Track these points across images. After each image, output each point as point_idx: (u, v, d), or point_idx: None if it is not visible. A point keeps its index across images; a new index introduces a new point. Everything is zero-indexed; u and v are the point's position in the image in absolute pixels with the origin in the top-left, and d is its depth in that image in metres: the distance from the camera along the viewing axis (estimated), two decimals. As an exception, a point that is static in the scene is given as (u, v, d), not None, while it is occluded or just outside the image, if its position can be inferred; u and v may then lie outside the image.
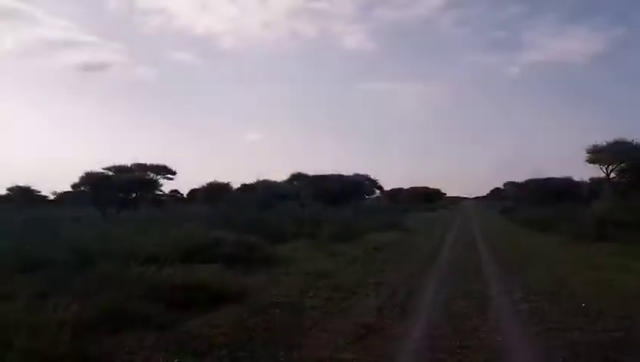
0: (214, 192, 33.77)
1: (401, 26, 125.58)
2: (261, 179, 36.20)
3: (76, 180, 27.73)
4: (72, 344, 4.48)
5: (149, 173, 33.50)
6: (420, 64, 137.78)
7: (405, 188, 77.41)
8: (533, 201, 36.79)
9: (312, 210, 21.75)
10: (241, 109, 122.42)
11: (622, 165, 18.63)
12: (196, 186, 40.72)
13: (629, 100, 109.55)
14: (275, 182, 36.52)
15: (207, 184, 36.88)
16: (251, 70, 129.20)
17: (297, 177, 38.43)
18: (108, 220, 21.98)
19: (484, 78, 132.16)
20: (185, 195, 56.30)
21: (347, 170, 55.15)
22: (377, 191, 42.65)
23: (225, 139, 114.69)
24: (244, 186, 36.18)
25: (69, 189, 29.94)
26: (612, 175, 19.17)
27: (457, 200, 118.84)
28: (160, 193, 37.57)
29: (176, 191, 56.79)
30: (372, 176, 38.98)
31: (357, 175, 37.61)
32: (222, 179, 37.09)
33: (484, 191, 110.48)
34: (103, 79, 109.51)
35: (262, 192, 30.75)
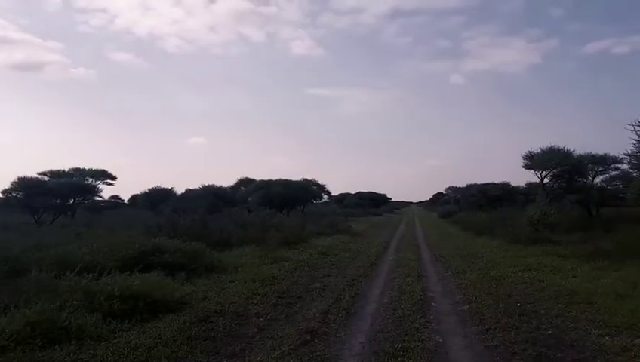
0: (157, 198, 32.79)
1: (349, 33, 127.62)
2: (206, 184, 35.59)
3: (7, 185, 26.20)
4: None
5: (87, 178, 32.08)
6: (367, 71, 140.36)
7: (352, 192, 78.52)
8: (474, 206, 38.20)
9: (258, 215, 21.52)
10: (185, 113, 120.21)
11: (554, 171, 19.64)
12: (138, 192, 39.54)
13: (562, 109, 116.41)
14: (220, 188, 35.95)
15: (149, 189, 35.81)
16: (196, 73, 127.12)
17: (244, 182, 38.01)
18: (42, 227, 20.83)
19: (429, 86, 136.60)
20: (126, 201, 54.50)
21: (295, 175, 55.34)
22: (325, 196, 42.73)
23: (168, 142, 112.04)
24: (189, 191, 35.34)
25: (-1, 195, 28.21)
26: (546, 180, 20.16)
27: (402, 205, 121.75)
28: (99, 199, 36.11)
29: (116, 196, 54.85)
30: (319, 181, 39.12)
31: (304, 180, 37.64)
32: (165, 184, 36.17)
33: (427, 196, 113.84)
34: (38, 79, 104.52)
35: (207, 198, 30.12)
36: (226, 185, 37.67)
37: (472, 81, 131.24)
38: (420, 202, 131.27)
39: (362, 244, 18.38)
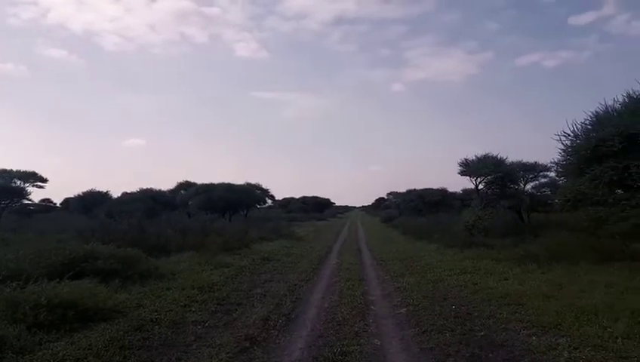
0: (91, 201, 31.37)
1: (293, 38, 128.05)
2: (144, 187, 34.51)
3: None
4: None
5: (15, 180, 30.18)
6: (311, 76, 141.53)
7: (297, 197, 78.67)
8: (413, 210, 39.26)
9: (199, 220, 21.05)
10: (123, 113, 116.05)
11: (488, 177, 20.47)
12: (71, 195, 37.68)
13: (496, 118, 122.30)
14: (159, 191, 34.96)
15: (83, 192, 34.23)
16: (136, 72, 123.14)
17: (184, 186, 37.11)
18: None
19: (371, 93, 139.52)
20: (58, 205, 51.93)
21: (238, 178, 54.68)
22: (269, 201, 42.43)
23: (105, 144, 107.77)
24: (125, 195, 34.09)
25: None
26: (480, 186, 20.98)
27: (346, 209, 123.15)
28: (28, 202, 34.10)
29: (47, 200, 52.18)
30: (263, 186, 38.81)
31: (248, 184, 37.22)
32: (100, 187, 34.74)
33: (370, 201, 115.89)
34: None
35: (145, 202, 29.14)
36: (166, 189, 36.77)
37: (412, 89, 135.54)
38: (364, 206, 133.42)
39: (305, 249, 18.39)
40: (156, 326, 6.41)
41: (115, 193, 35.26)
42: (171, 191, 36.89)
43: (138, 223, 15.85)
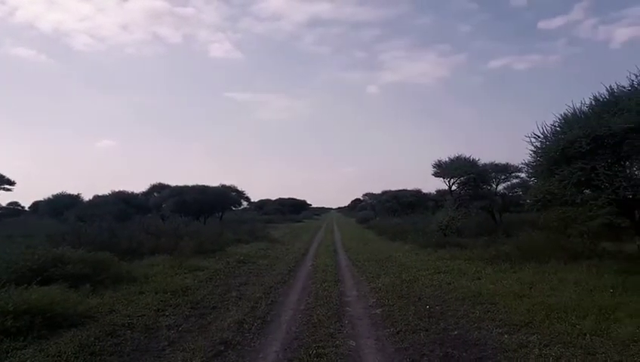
0: (61, 204, 30.63)
1: (268, 39, 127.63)
2: (116, 190, 33.90)
3: None
4: None
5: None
6: (286, 77, 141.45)
7: (273, 198, 78.38)
8: (389, 211, 39.59)
9: (173, 223, 20.76)
10: (95, 114, 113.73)
11: (461, 179, 20.79)
12: (40, 198, 36.76)
13: (468, 120, 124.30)
14: (132, 194, 34.38)
15: (52, 195, 33.41)
16: (108, 73, 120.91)
17: (157, 188, 36.55)
18: None
19: (346, 95, 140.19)
20: (27, 208, 50.61)
21: (212, 180, 54.18)
22: (244, 203, 42.11)
23: (75, 146, 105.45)
24: (97, 198, 33.42)
25: None
26: (454, 187, 21.29)
27: (323, 211, 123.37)
28: (-6, 206, 33.14)
29: (15, 203, 50.79)
30: (239, 187, 38.49)
31: (223, 186, 36.90)
32: (71, 190, 33.96)
33: (346, 202, 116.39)
34: None
35: (117, 204, 28.62)
36: (138, 192, 36.17)
37: (387, 91, 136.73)
38: (340, 208, 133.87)
39: (281, 251, 18.32)
40: (128, 332, 6.30)
41: (87, 196, 34.64)
42: (144, 194, 36.32)
43: (110, 227, 15.54)
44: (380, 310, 7.54)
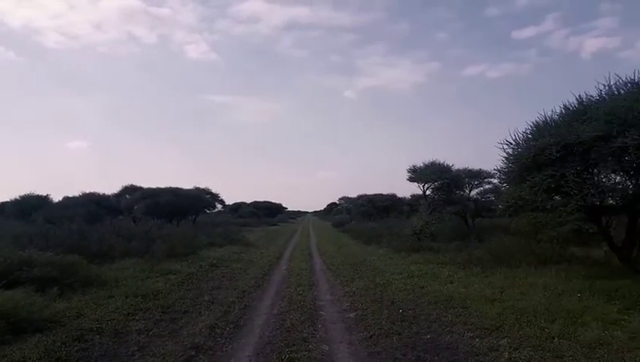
0: (28, 206, 29.76)
1: (245, 41, 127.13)
2: (87, 191, 33.17)
3: None
4: None
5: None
6: (263, 80, 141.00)
7: (248, 201, 77.78)
8: (364, 215, 39.78)
9: (145, 225, 20.40)
10: (66, 114, 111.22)
11: (435, 184, 21.06)
12: (6, 199, 35.62)
13: (443, 126, 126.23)
14: (103, 196, 33.70)
15: (20, 196, 32.42)
16: (80, 72, 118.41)
17: (129, 190, 35.88)
18: None
19: (324, 99, 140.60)
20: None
21: (186, 183, 53.55)
22: (219, 206, 41.68)
23: (45, 146, 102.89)
24: (67, 199, 32.62)
25: None
26: (428, 192, 21.54)
27: (299, 214, 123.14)
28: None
29: (-21, 204, 49.09)
30: (213, 190, 38.09)
31: (197, 188, 36.46)
32: (40, 190, 33.02)
33: (322, 205, 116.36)
34: None
35: (87, 206, 27.99)
36: (110, 193, 35.45)
37: (364, 96, 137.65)
38: (316, 211, 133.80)
39: (256, 255, 18.18)
40: (97, 336, 6.15)
41: (56, 197, 33.70)
42: (116, 196, 35.61)
43: (80, 229, 15.17)
44: (354, 314, 7.54)
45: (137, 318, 7.19)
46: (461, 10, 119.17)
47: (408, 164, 21.29)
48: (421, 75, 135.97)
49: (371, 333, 6.26)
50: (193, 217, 35.50)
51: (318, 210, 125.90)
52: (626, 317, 6.39)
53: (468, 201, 21.94)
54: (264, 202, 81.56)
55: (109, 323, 6.79)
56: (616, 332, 5.66)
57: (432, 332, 6.26)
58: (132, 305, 7.92)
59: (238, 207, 70.10)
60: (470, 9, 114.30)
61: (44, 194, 32.98)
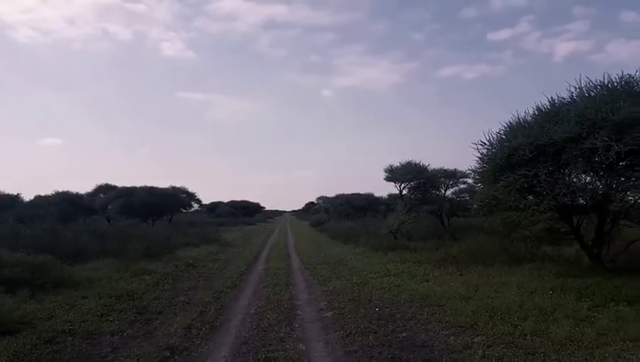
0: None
1: (222, 39, 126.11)
2: (60, 190, 32.44)
3: None
4: None
5: None
6: (241, 78, 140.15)
7: (225, 201, 77.22)
8: (342, 215, 39.90)
9: (119, 225, 20.08)
10: (38, 111, 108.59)
11: (412, 183, 21.26)
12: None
13: (419, 125, 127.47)
14: (77, 194, 33.02)
15: (-11, 195, 31.52)
16: (53, 68, 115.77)
17: (103, 189, 35.28)
18: None
19: (301, 98, 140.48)
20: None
21: (162, 182, 52.84)
22: (195, 205, 41.28)
23: (16, 143, 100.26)
24: (39, 198, 31.87)
25: None
26: (404, 192, 21.72)
27: (277, 214, 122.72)
28: None
29: (-54, 203, 47.58)
30: (189, 189, 37.71)
31: (172, 187, 36.06)
32: (10, 189, 32.19)
33: (300, 205, 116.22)
34: None
35: (60, 205, 27.39)
36: (84, 192, 34.78)
37: (341, 96, 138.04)
38: (294, 211, 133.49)
39: (233, 254, 18.08)
40: (69, 338, 6.02)
41: (28, 196, 32.86)
42: (90, 195, 34.99)
43: (52, 228, 14.85)
44: (331, 313, 7.56)
45: (111, 319, 7.07)
46: (438, 12, 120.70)
47: (386, 164, 21.44)
48: (398, 75, 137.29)
49: (348, 332, 6.28)
50: (169, 217, 35.09)
51: (297, 209, 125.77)
52: (596, 314, 6.55)
53: (443, 201, 22.20)
54: (242, 201, 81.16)
55: (82, 324, 6.67)
56: (586, 329, 5.80)
57: (407, 331, 6.31)
58: (106, 306, 7.80)
59: (216, 206, 69.56)
60: (446, 10, 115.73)
61: (15, 193, 32.16)
